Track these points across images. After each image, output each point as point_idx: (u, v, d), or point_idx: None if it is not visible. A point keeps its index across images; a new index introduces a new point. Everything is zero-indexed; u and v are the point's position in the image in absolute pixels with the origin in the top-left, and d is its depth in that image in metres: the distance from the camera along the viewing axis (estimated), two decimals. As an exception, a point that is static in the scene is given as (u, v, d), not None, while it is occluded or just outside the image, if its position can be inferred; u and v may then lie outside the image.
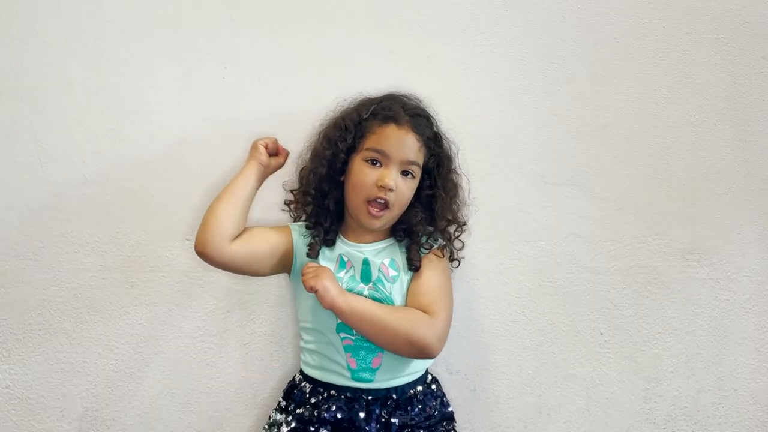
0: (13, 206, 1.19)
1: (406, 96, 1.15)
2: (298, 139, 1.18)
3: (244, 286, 1.22)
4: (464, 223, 1.18)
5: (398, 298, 1.09)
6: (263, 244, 1.08)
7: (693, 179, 1.28)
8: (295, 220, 1.17)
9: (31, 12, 1.19)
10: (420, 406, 1.09)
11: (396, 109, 1.09)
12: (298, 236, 1.12)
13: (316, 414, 1.06)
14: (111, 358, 1.21)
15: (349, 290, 1.07)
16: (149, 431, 1.22)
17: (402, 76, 1.22)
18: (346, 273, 1.09)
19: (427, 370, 1.15)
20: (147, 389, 1.22)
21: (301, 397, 1.10)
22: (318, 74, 1.22)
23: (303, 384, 1.11)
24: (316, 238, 1.10)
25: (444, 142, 1.15)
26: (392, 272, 1.10)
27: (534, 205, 1.26)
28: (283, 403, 1.13)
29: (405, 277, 1.11)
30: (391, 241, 1.14)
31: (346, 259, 1.10)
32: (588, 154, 1.27)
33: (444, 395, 1.15)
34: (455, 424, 1.14)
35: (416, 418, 1.08)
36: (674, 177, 1.28)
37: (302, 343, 1.13)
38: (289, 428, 1.08)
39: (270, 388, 1.22)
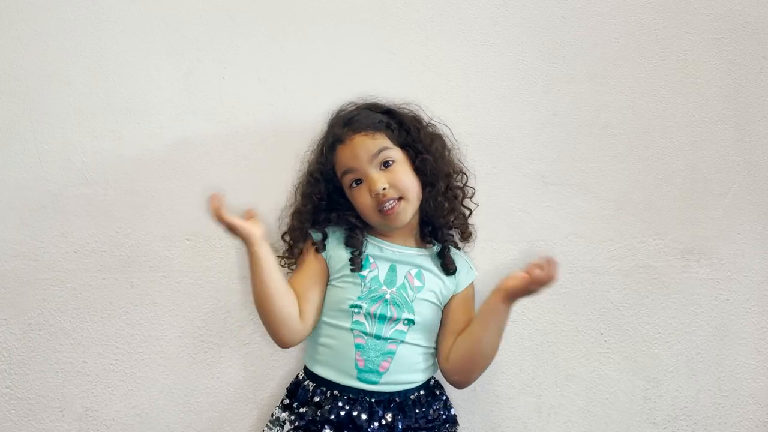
0: (13, 206, 1.19)
1: (342, 109, 1.15)
2: (299, 139, 1.18)
3: (244, 286, 1.22)
4: (461, 171, 1.17)
5: (417, 307, 1.08)
6: (317, 293, 1.10)
7: (693, 179, 1.28)
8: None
9: (31, 12, 1.19)
10: (423, 410, 1.09)
11: (336, 131, 1.10)
12: (331, 243, 1.12)
13: (319, 414, 1.06)
14: (111, 358, 1.21)
15: (372, 291, 1.07)
16: (149, 431, 1.22)
17: (402, 76, 1.22)
18: (369, 272, 1.09)
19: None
20: (147, 389, 1.22)
21: (305, 395, 1.09)
22: (318, 74, 1.22)
23: (306, 382, 1.11)
24: (355, 252, 1.10)
25: (401, 109, 1.14)
26: (417, 282, 1.10)
27: (534, 205, 1.26)
28: (287, 401, 1.12)
29: (430, 293, 1.10)
30: (422, 251, 1.14)
31: (371, 260, 1.10)
32: (588, 154, 1.27)
33: (447, 398, 1.15)
34: (458, 428, 1.14)
35: (420, 422, 1.08)
36: (674, 177, 1.28)
37: (314, 336, 1.11)
38: (292, 426, 1.07)
39: (270, 387, 1.22)
